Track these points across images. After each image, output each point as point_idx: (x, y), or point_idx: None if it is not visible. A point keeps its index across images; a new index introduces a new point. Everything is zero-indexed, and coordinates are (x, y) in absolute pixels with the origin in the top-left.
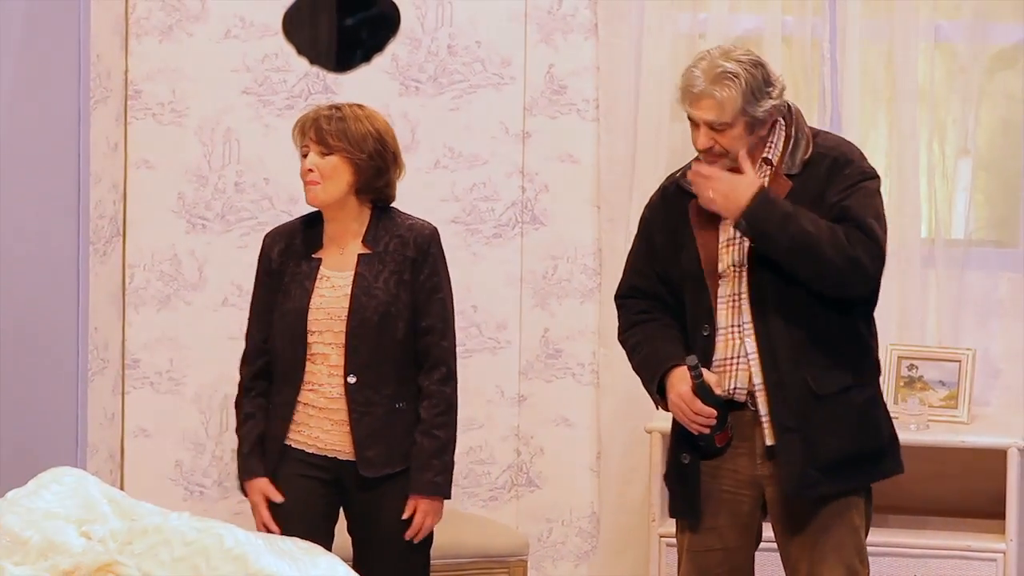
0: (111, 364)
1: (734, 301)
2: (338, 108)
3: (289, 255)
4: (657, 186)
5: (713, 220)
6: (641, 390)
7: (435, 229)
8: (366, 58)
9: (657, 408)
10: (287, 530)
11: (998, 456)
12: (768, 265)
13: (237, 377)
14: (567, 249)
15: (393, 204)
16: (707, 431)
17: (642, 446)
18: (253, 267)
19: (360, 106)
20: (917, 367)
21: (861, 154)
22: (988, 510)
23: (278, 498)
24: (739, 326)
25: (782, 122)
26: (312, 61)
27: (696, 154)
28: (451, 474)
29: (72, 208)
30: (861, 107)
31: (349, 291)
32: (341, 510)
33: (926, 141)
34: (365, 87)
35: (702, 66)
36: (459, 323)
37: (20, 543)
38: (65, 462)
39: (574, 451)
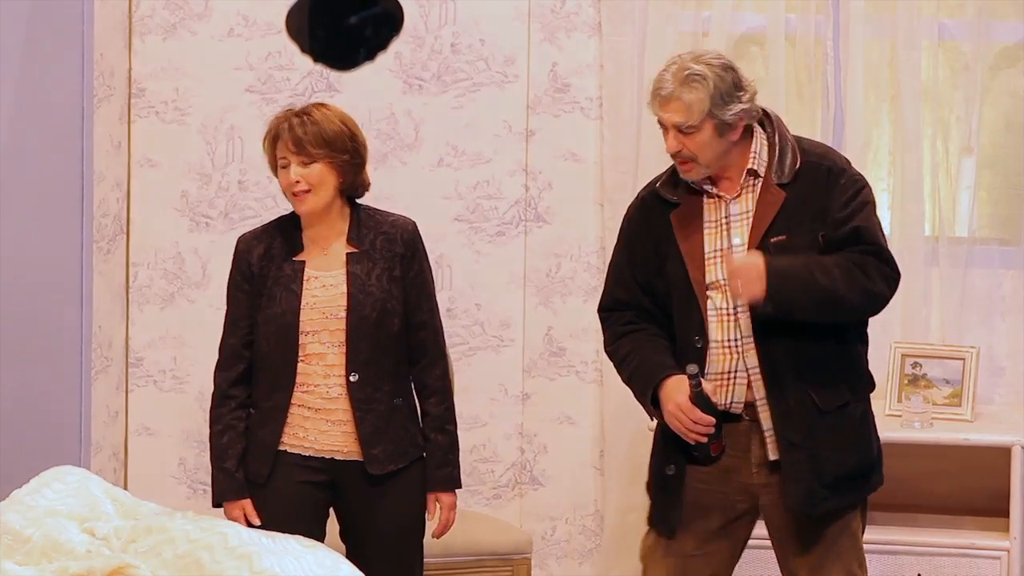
0: (114, 362)
1: (728, 315)
2: (305, 112)
3: (269, 259)
4: None
5: (698, 230)
6: None
7: (415, 223)
8: (370, 56)
9: (652, 419)
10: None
11: (1002, 454)
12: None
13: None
14: (570, 247)
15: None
16: (704, 440)
17: (645, 444)
18: None
19: (322, 104)
20: (921, 365)
21: (846, 159)
22: (992, 508)
23: (256, 521)
24: (736, 340)
25: (762, 131)
26: (315, 59)
27: (672, 161)
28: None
29: (76, 206)
30: (864, 105)
31: (343, 290)
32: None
33: (930, 139)
34: (368, 85)
35: (672, 69)
36: (462, 321)
37: (22, 541)
38: (68, 460)
39: (578, 449)
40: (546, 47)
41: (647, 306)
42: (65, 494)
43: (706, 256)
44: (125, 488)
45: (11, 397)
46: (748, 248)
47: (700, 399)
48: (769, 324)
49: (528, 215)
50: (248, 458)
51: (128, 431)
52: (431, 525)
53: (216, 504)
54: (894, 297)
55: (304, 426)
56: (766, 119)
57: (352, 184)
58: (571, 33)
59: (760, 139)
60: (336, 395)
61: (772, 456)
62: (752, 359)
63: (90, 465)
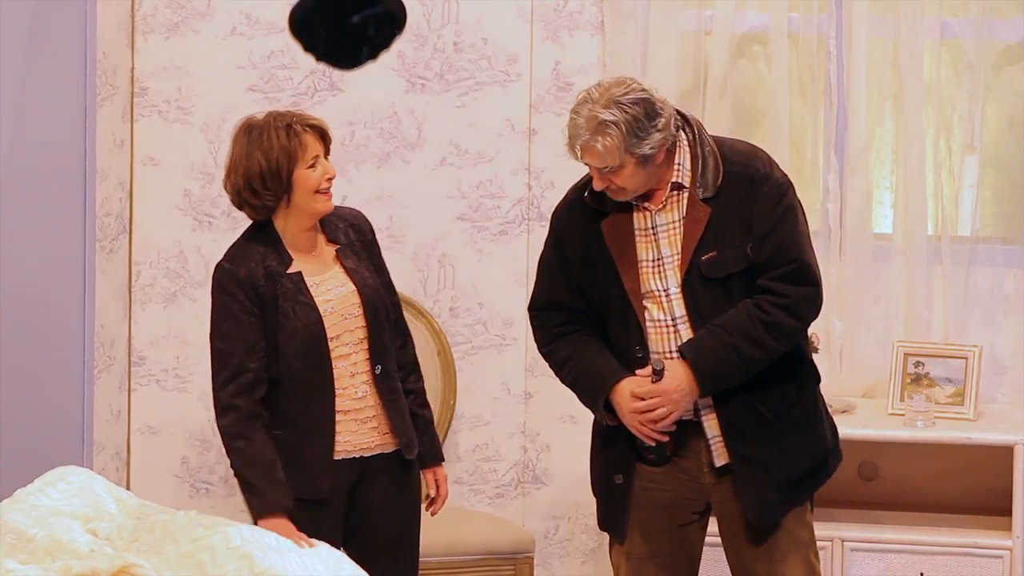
0: (117, 361)
1: (667, 326)
2: (297, 112)
3: (270, 277)
4: None
5: (630, 241)
6: None
7: None
8: (372, 55)
9: (604, 422)
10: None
11: (1004, 453)
12: (701, 290)
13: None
14: None
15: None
16: (666, 439)
17: None
18: None
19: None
20: (923, 364)
21: (769, 159)
22: (994, 507)
23: (313, 544)
24: (676, 352)
25: (684, 138)
26: (318, 58)
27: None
28: None
29: (78, 205)
30: (867, 104)
31: (352, 288)
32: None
33: (932, 138)
34: (371, 84)
35: (584, 113)
36: (465, 320)
37: (26, 540)
38: (71, 459)
39: (580, 448)
40: (549, 46)
41: (582, 307)
42: (69, 494)
43: (640, 265)
44: (128, 487)
45: (14, 396)
46: (680, 266)
47: None
48: None
49: (531, 214)
50: (295, 476)
51: (131, 430)
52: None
53: (261, 516)
54: (896, 296)
55: (340, 431)
56: (686, 125)
57: None
58: (574, 32)
59: (683, 149)
60: (363, 394)
61: (719, 462)
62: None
63: (93, 464)
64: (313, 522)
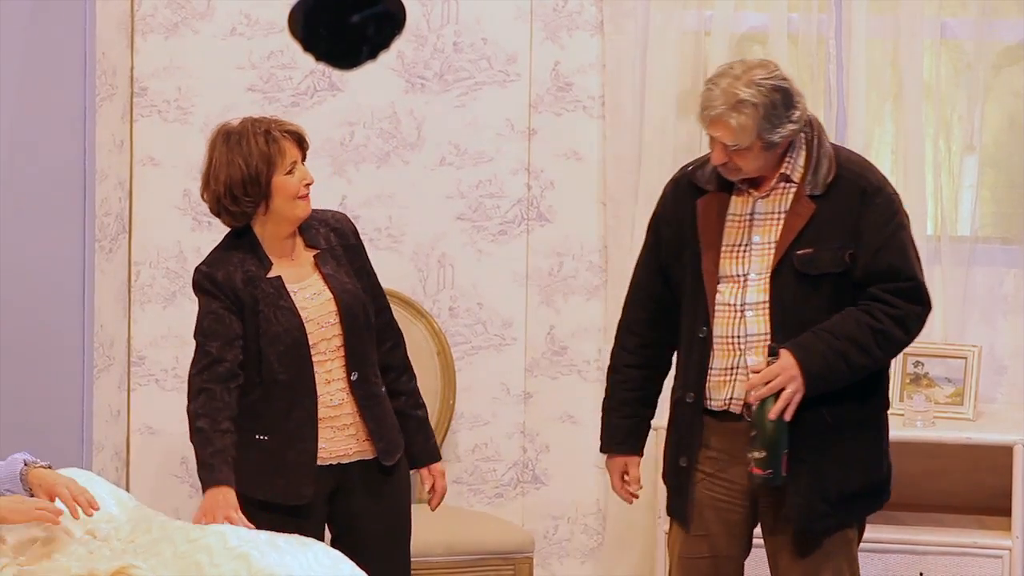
0: (117, 361)
1: (734, 311)
2: (274, 118)
3: (249, 282)
4: (664, 182)
5: (720, 222)
6: None
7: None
8: (372, 55)
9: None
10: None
11: (1004, 453)
12: (788, 283)
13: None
14: (573, 246)
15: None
16: (635, 499)
17: (648, 443)
18: None
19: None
20: (923, 364)
21: (882, 175)
22: (994, 507)
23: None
24: (739, 338)
25: (803, 136)
26: (318, 58)
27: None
28: None
29: (78, 205)
30: (867, 104)
31: (329, 295)
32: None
33: (932, 138)
34: (371, 84)
35: (722, 85)
36: (464, 320)
37: (26, 541)
38: (71, 459)
39: (580, 448)
40: (548, 46)
41: (663, 299)
42: None
43: (723, 249)
44: (127, 487)
45: (13, 396)
46: (773, 256)
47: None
48: (785, 329)
49: (530, 214)
50: (278, 481)
51: (130, 430)
52: (422, 510)
53: (208, 487)
54: None
55: (318, 437)
56: (807, 124)
57: None
58: (573, 32)
59: (799, 145)
60: (339, 401)
61: None
62: (753, 360)
63: (92, 464)
64: (296, 528)
